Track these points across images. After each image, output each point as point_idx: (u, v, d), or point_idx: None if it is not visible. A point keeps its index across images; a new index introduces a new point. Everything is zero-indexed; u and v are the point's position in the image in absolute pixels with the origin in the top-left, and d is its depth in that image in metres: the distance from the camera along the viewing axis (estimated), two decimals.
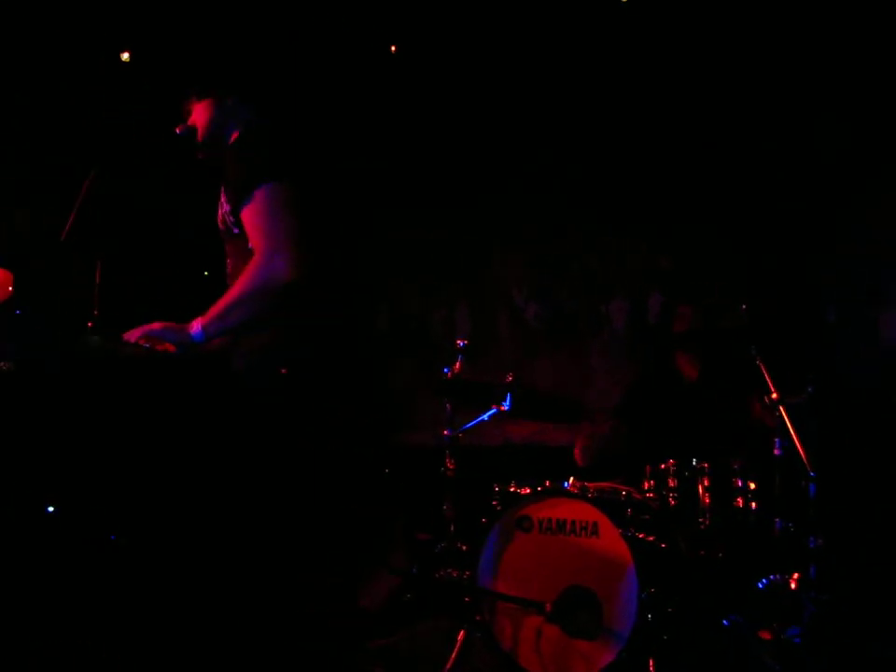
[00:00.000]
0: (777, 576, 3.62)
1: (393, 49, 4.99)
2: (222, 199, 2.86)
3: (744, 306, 3.81)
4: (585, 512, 3.65)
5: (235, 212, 2.73)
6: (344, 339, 2.89)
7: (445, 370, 4.44)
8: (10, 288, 4.91)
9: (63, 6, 4.52)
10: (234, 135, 2.93)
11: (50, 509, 2.73)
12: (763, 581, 3.63)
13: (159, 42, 4.60)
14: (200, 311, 2.78)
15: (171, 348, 2.65)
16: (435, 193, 5.99)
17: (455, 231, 6.03)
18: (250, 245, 2.68)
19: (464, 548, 4.19)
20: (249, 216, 2.66)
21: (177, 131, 2.96)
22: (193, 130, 2.96)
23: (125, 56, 4.50)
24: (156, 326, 2.67)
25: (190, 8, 4.53)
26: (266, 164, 2.69)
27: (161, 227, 5.29)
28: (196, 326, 2.65)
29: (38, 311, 2.52)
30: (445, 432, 4.40)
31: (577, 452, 4.56)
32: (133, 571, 2.58)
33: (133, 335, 2.65)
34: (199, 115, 2.96)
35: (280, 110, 3.09)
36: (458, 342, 4.49)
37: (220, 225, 2.90)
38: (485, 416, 4.35)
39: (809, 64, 5.00)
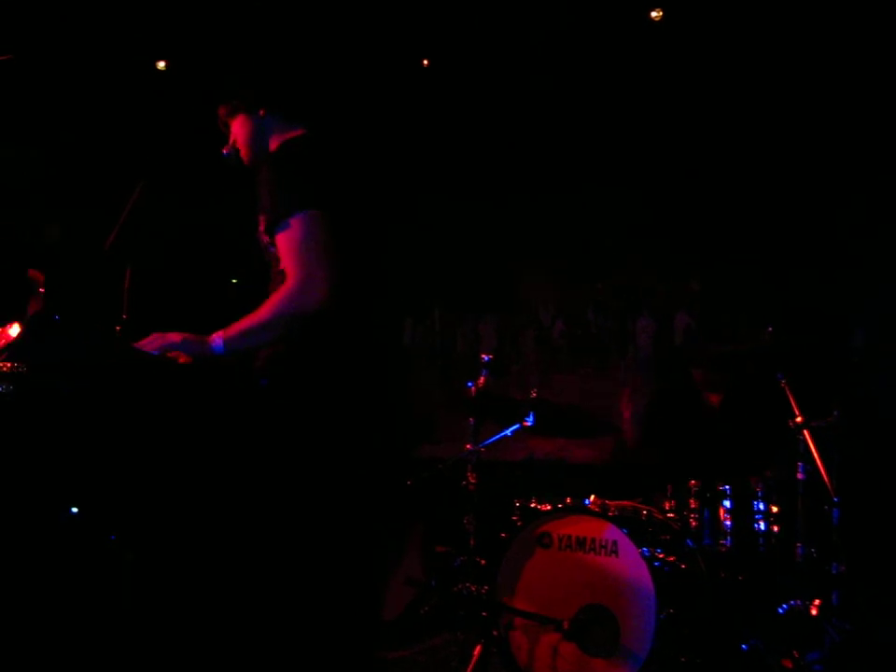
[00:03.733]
0: (799, 602, 3.59)
1: (425, 62, 5.01)
2: (260, 216, 2.78)
3: (770, 328, 3.79)
4: (605, 531, 3.65)
5: (270, 233, 2.69)
6: (368, 353, 2.85)
7: (469, 384, 4.45)
8: (41, 290, 4.98)
9: (102, 19, 4.58)
10: (273, 144, 2.86)
11: (74, 510, 2.77)
12: (784, 606, 3.59)
13: (196, 55, 4.64)
14: (228, 318, 2.77)
15: (184, 358, 2.62)
16: (463, 210, 6.01)
17: (482, 247, 6.04)
18: (281, 267, 2.65)
19: (483, 562, 4.18)
20: (283, 242, 2.61)
21: (224, 152, 2.92)
22: (237, 150, 2.93)
23: (161, 65, 4.55)
24: (175, 336, 2.62)
25: (227, 21, 4.57)
26: (302, 191, 2.62)
27: (193, 234, 5.35)
28: (217, 339, 2.60)
29: (69, 315, 2.55)
30: (468, 446, 4.40)
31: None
32: (147, 579, 2.60)
33: (148, 344, 2.63)
34: (237, 131, 2.91)
35: (312, 120, 3.05)
36: (483, 356, 4.49)
37: (259, 240, 2.83)
38: (508, 431, 4.35)
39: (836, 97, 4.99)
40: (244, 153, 2.90)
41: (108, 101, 4.84)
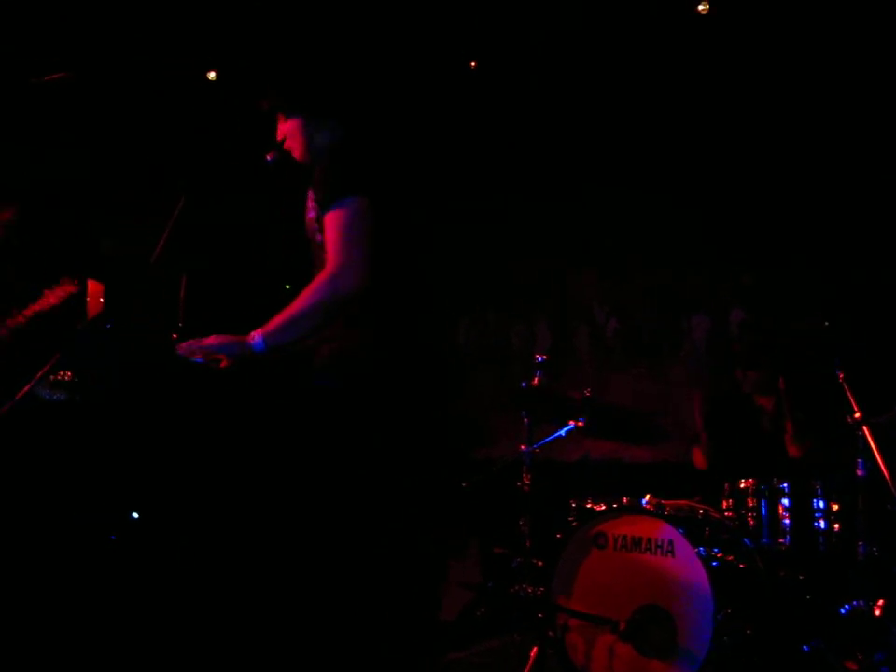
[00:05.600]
0: (861, 602, 3.51)
1: (473, 64, 5.02)
2: (309, 203, 2.85)
3: (826, 323, 3.72)
4: (661, 530, 3.61)
5: (320, 219, 2.73)
6: (417, 352, 2.86)
7: (523, 384, 4.44)
8: (102, 300, 5.09)
9: (145, 29, 4.66)
10: (326, 144, 2.91)
11: (135, 515, 2.83)
12: (846, 606, 3.52)
13: (246, 61, 4.70)
14: None
15: (225, 363, 2.65)
16: (518, 209, 6.00)
17: (536, 246, 6.02)
18: (324, 256, 2.69)
19: (539, 563, 4.16)
20: (330, 224, 2.66)
21: (268, 158, 2.96)
22: (284, 154, 2.97)
23: (211, 75, 4.62)
24: (212, 339, 2.64)
25: (276, 27, 4.62)
26: (354, 177, 2.68)
27: (246, 241, 5.42)
28: (257, 337, 2.61)
29: (122, 323, 2.61)
30: (522, 447, 4.39)
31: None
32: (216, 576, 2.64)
33: (188, 348, 2.66)
34: (292, 134, 2.94)
35: (365, 124, 3.09)
36: (537, 356, 4.48)
37: (308, 230, 2.89)
38: (562, 432, 4.33)
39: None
40: (299, 154, 2.94)
41: (158, 111, 4.93)
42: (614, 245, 5.85)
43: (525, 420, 4.40)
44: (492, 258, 6.08)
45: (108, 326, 2.59)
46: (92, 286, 5.01)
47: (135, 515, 2.81)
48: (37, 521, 2.68)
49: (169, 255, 2.97)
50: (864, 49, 4.90)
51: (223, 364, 2.64)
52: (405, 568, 2.74)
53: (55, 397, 2.68)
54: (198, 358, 2.63)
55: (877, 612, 3.46)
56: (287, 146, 2.93)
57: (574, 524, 3.86)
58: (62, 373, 2.64)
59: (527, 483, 4.31)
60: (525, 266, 6.09)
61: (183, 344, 2.66)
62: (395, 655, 2.68)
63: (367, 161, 2.79)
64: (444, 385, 2.92)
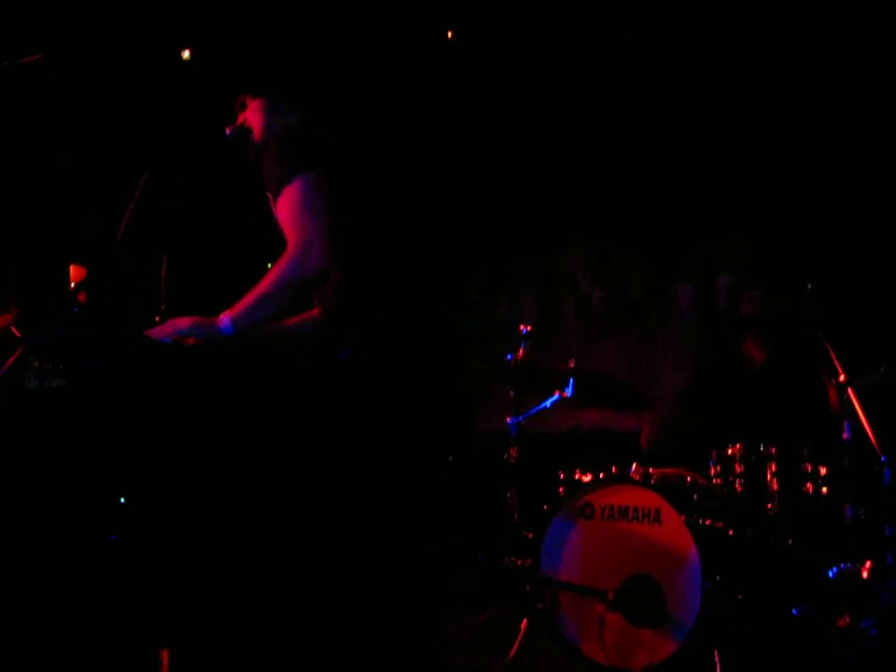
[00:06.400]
0: (849, 564, 3.50)
1: (450, 34, 4.96)
2: (268, 194, 2.83)
3: (809, 285, 3.69)
4: (647, 499, 3.60)
5: (274, 206, 2.71)
6: (406, 328, 2.83)
7: (508, 356, 4.41)
8: (84, 284, 5.01)
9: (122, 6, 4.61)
10: (280, 128, 2.88)
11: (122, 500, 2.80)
12: (834, 569, 3.51)
13: (218, 40, 4.65)
14: None
15: (192, 341, 2.63)
16: (503, 181, 5.95)
17: (521, 217, 5.97)
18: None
19: (529, 535, 4.15)
20: (282, 209, 2.63)
21: (227, 132, 2.92)
22: (245, 130, 2.94)
23: (186, 54, 4.57)
24: (183, 321, 2.62)
25: (247, 8, 4.57)
26: (298, 156, 2.65)
27: (227, 221, 5.37)
28: (225, 319, 2.59)
29: (103, 308, 2.58)
30: (508, 419, 4.37)
31: (643, 437, 4.49)
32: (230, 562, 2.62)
33: (159, 332, 2.63)
34: (254, 115, 2.91)
35: (334, 109, 3.05)
36: (521, 328, 4.44)
37: (274, 218, 2.88)
38: (547, 403, 4.31)
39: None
40: (257, 135, 2.90)
41: (133, 91, 4.87)
42: (600, 213, 5.79)
43: (511, 392, 4.38)
44: (477, 230, 6.03)
45: (75, 309, 2.55)
46: (75, 271, 4.96)
47: (122, 500, 2.78)
48: (33, 518, 2.65)
49: (136, 231, 2.93)
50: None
51: (190, 342, 2.62)
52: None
53: (53, 384, 2.64)
54: (166, 338, 2.60)
55: (865, 574, 3.45)
56: (248, 123, 2.91)
57: (561, 495, 3.85)
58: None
59: (514, 455, 4.30)
60: (511, 238, 6.05)
61: (154, 329, 2.64)
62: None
63: (313, 140, 2.75)
64: (454, 366, 2.87)
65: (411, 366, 2.71)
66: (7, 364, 2.42)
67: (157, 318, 3.28)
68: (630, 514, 3.62)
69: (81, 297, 3.57)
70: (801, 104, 5.09)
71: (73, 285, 4.44)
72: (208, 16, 4.62)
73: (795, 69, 5.09)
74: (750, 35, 5.07)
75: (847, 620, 3.40)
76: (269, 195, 2.77)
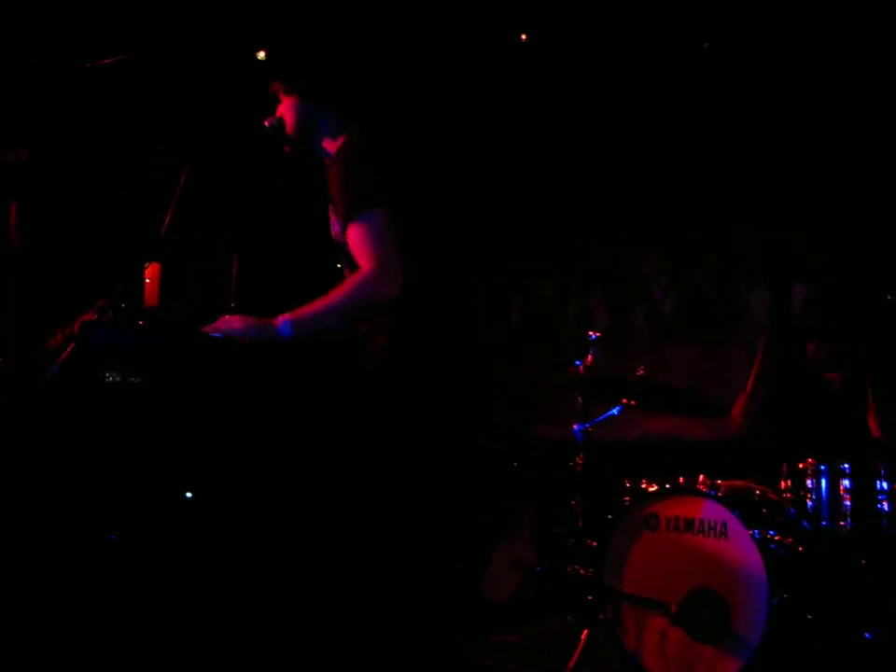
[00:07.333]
0: None
1: (523, 37, 4.92)
2: (331, 217, 2.84)
3: (889, 297, 3.56)
4: (714, 512, 3.52)
5: (343, 230, 2.72)
6: (458, 341, 2.85)
7: (577, 363, 4.35)
8: (158, 281, 5.11)
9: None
10: (327, 142, 2.91)
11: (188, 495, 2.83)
12: None
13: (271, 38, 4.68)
14: None
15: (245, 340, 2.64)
16: (572, 186, 5.88)
17: (592, 223, 5.90)
18: (356, 262, 2.67)
19: (593, 544, 4.09)
20: (357, 237, 2.64)
21: (266, 124, 2.95)
22: (282, 122, 2.96)
23: (261, 55, 4.62)
24: (237, 321, 2.63)
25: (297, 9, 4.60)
26: (371, 189, 2.66)
27: (298, 220, 5.41)
28: (286, 323, 2.60)
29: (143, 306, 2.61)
30: (575, 426, 4.31)
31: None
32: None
33: (212, 329, 2.65)
34: (286, 110, 2.95)
35: (373, 117, 3.06)
36: (591, 334, 4.39)
37: (335, 238, 2.87)
38: (614, 411, 4.24)
39: None
40: (290, 128, 2.95)
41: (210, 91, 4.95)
42: (673, 219, 5.68)
43: (579, 399, 4.32)
44: (548, 236, 5.98)
45: (122, 306, 2.58)
46: (151, 268, 5.05)
47: (188, 495, 2.81)
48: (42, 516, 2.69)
49: (219, 231, 2.98)
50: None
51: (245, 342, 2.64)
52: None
53: (110, 379, 2.68)
54: (219, 335, 2.63)
55: None
56: (283, 116, 2.95)
57: (626, 504, 3.78)
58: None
59: (580, 462, 4.23)
60: (580, 242, 5.98)
61: (207, 326, 2.67)
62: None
63: (383, 167, 2.77)
64: (484, 380, 2.90)
65: (439, 382, 2.75)
66: (59, 361, 2.46)
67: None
68: (696, 527, 3.54)
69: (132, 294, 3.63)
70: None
71: (147, 281, 4.51)
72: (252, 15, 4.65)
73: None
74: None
75: None
76: (332, 213, 2.80)
